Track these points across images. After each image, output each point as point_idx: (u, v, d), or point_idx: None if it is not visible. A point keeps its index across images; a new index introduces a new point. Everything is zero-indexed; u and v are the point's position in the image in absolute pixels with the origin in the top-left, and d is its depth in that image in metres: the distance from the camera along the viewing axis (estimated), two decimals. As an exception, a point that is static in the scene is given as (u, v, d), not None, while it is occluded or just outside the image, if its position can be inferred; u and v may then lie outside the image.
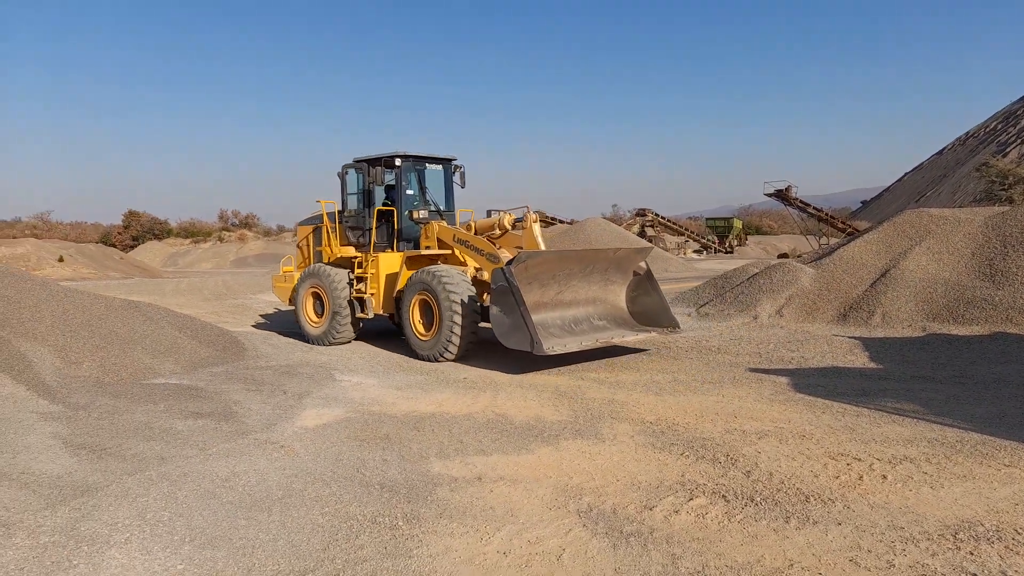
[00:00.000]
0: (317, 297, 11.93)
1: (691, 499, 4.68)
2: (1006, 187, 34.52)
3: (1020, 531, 3.99)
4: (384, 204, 11.78)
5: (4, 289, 8.67)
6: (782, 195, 45.06)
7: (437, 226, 11.26)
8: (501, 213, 11.22)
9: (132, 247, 65.88)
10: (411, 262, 11.24)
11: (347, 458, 5.66)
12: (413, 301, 10.53)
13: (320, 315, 11.86)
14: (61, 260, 36.80)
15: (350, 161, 11.99)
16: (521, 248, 10.42)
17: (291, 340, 12.13)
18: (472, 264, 11.17)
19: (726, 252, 56.73)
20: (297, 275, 12.52)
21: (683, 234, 60.21)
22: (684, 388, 8.06)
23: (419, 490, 4.96)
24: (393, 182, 11.72)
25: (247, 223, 77.39)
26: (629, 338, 10.13)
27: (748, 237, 67.57)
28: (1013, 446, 5.47)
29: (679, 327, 10.54)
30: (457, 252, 11.17)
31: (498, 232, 11.07)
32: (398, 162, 11.42)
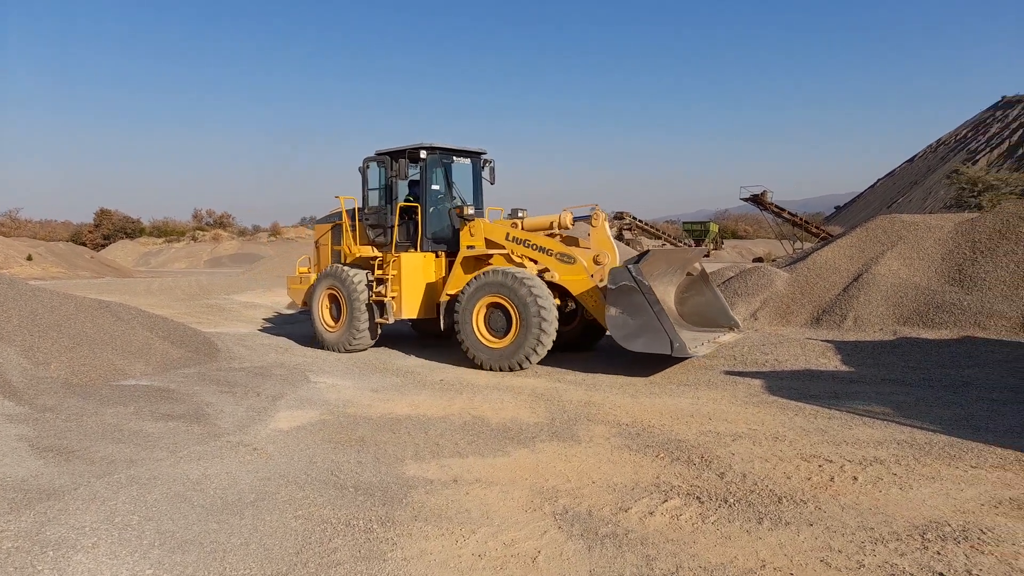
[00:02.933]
0: (335, 300, 11.25)
1: (666, 500, 4.71)
2: (976, 194, 35.27)
3: (985, 531, 4.06)
4: (407, 200, 11.02)
5: (-31, 288, 8.47)
6: (758, 200, 45.59)
7: (483, 223, 10.44)
8: (564, 211, 10.36)
9: (103, 246, 64.81)
10: (452, 264, 10.58)
11: (321, 461, 5.61)
12: (479, 306, 9.62)
13: (337, 319, 11.19)
14: (30, 259, 36.06)
15: (371, 154, 11.27)
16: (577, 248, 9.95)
17: (266, 341, 12.00)
18: (529, 265, 10.18)
19: (703, 256, 57.28)
20: (314, 276, 12.01)
21: (660, 237, 60.65)
22: (660, 390, 8.11)
23: (394, 493, 4.93)
24: (417, 177, 10.96)
25: (222, 223, 76.51)
26: (724, 338, 9.90)
27: (724, 241, 68.28)
28: (979, 448, 5.58)
29: (740, 327, 9.91)
30: (511, 252, 10.15)
31: (557, 231, 10.35)
32: (423, 154, 10.65)
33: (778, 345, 10.63)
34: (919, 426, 6.25)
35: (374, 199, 11.30)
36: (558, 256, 9.73)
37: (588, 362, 10.05)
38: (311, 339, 12.36)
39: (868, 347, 10.30)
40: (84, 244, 59.41)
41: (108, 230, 69.10)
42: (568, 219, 10.30)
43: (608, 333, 9.46)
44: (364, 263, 11.24)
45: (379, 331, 11.21)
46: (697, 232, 63.04)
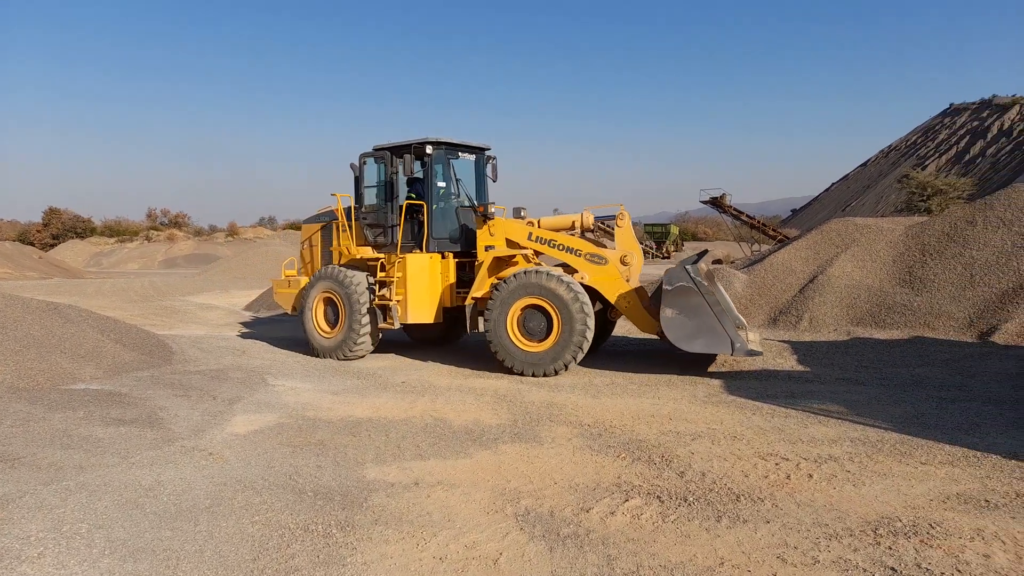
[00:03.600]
0: (331, 304, 10.65)
1: (627, 500, 4.74)
2: (925, 198, 36.38)
3: (934, 525, 4.18)
4: (408, 198, 10.51)
5: (-93, 289, 8.11)
6: (717, 203, 46.33)
7: (504, 223, 10.01)
8: (585, 210, 10.22)
9: (52, 246, 62.75)
10: (462, 265, 10.46)
11: (279, 465, 5.51)
12: (515, 308, 9.23)
13: (334, 324, 10.58)
14: (-26, 259, 34.73)
15: (368, 150, 10.75)
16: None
17: (223, 344, 11.75)
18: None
19: (663, 257, 57.92)
20: (304, 279, 11.42)
21: None
22: (621, 391, 8.17)
23: (354, 496, 4.87)
24: (419, 174, 10.51)
25: (177, 222, 74.77)
26: (752, 335, 9.71)
27: (684, 243, 69.22)
28: (929, 445, 5.74)
29: (747, 326, 9.80)
30: (532, 252, 9.89)
31: (578, 232, 10.18)
32: (429, 150, 10.13)
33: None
34: (872, 424, 6.40)
35: (371, 197, 10.78)
36: (588, 257, 9.52)
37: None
38: (276, 341, 12.18)
39: (823, 347, 10.53)
40: (32, 244, 57.44)
41: (57, 229, 66.93)
42: (590, 219, 10.14)
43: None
44: (361, 265, 10.70)
45: (379, 336, 10.72)
46: (658, 234, 63.78)
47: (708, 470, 5.31)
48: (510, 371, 9.27)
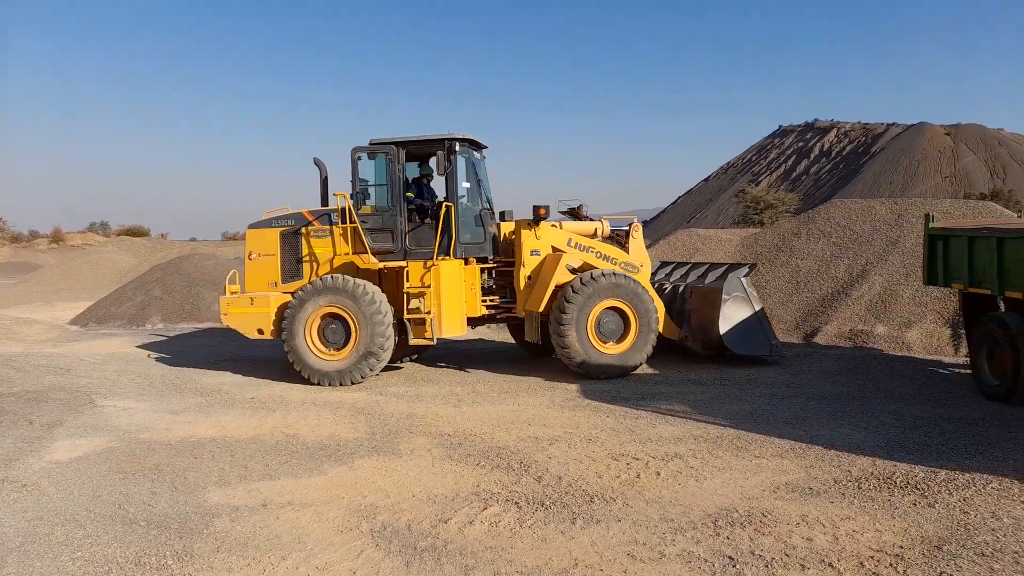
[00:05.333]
0: (334, 321, 9.22)
1: (485, 508, 4.73)
2: (758, 211, 39.63)
3: (766, 514, 4.51)
4: (407, 199, 9.72)
5: None
6: (574, 213, 47.95)
7: (549, 227, 9.72)
8: (602, 219, 10.40)
9: None
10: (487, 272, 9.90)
11: (107, 493, 5.01)
12: (596, 310, 9.14)
13: (339, 344, 9.19)
14: None
15: (363, 144, 9.57)
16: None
17: (43, 362, 10.56)
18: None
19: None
20: (276, 295, 9.64)
21: None
22: (482, 399, 8.19)
23: (194, 523, 4.52)
24: (419, 172, 9.92)
25: (-10, 226, 66.70)
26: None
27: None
28: (762, 439, 6.21)
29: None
30: (573, 258, 9.67)
31: (599, 239, 10.20)
32: (458, 146, 9.38)
33: (592, 351, 11.18)
34: (712, 422, 6.84)
35: (380, 198, 9.69)
36: (623, 265, 9.75)
37: (412, 374, 9.93)
38: (108, 359, 11.10)
39: (672, 350, 11.15)
40: None
41: None
42: (607, 228, 10.39)
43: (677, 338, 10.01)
44: (355, 274, 9.43)
45: (413, 356, 10.12)
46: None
47: (564, 473, 5.43)
48: (586, 376, 9.11)
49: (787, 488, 4.99)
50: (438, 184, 10.08)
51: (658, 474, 5.36)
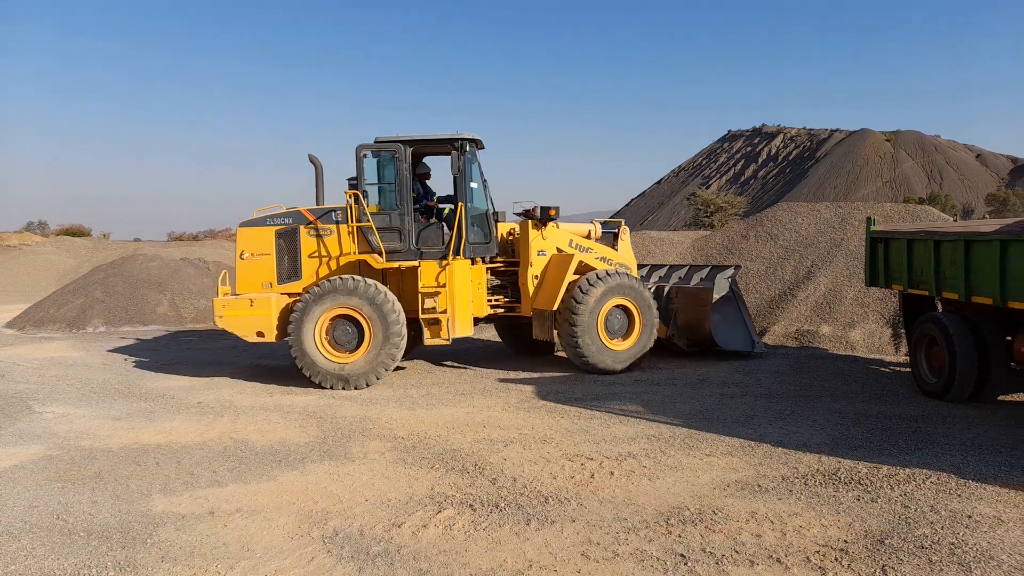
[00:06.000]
0: (345, 322, 9.02)
1: (439, 512, 4.70)
2: (709, 214, 40.46)
3: (717, 511, 4.59)
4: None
5: None
6: (529, 215, 48.21)
7: (555, 228, 10.01)
8: (594, 222, 10.86)
9: None
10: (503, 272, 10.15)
11: (45, 504, 4.81)
12: (604, 309, 9.44)
13: (349, 347, 8.99)
14: None
15: (369, 142, 9.40)
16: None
17: (-23, 367, 10.10)
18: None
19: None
20: (276, 297, 9.30)
21: None
22: (437, 401, 8.14)
23: (137, 533, 4.37)
24: (416, 172, 9.85)
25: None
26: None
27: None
28: (712, 438, 6.32)
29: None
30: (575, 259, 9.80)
31: (593, 240, 10.54)
32: (468, 146, 9.48)
33: (547, 352, 11.23)
34: (665, 421, 6.93)
35: (387, 198, 9.51)
36: (618, 265, 10.15)
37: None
38: (46, 363, 10.67)
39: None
40: None
41: None
42: (599, 230, 10.74)
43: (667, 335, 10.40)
44: (357, 273, 9.36)
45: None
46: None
47: (519, 475, 5.43)
48: (593, 371, 9.42)
49: (737, 486, 5.08)
50: (431, 183, 10.32)
51: (612, 474, 5.40)
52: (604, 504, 4.79)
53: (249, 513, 4.71)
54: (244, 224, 9.66)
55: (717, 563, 3.87)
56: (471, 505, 4.81)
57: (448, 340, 9.35)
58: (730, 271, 10.63)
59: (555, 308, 9.52)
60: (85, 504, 4.84)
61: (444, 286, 9.37)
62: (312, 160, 9.88)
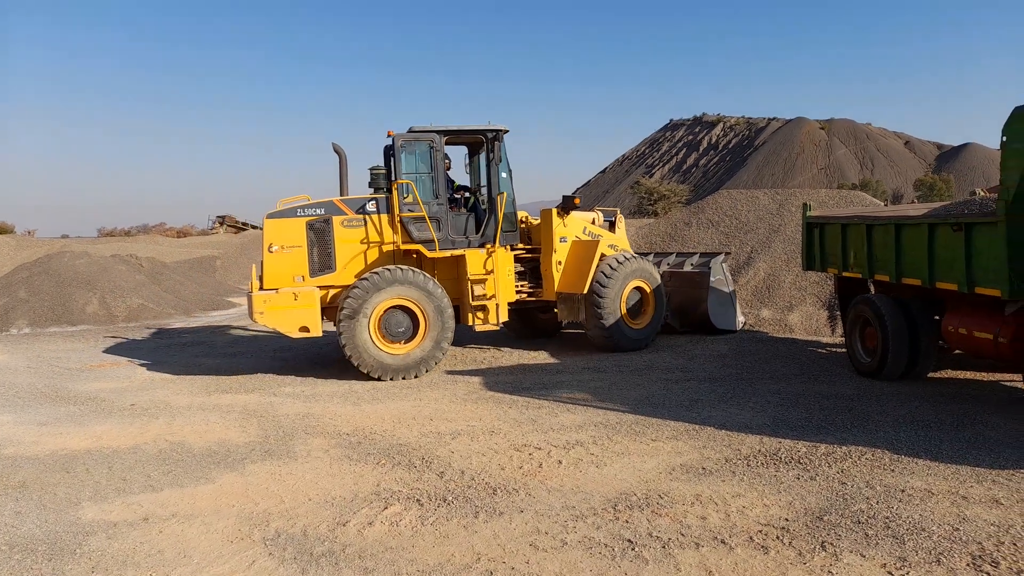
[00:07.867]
0: (400, 313, 8.99)
1: (386, 508, 4.62)
2: (652, 202, 41.12)
3: (663, 496, 4.64)
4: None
5: None
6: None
7: (575, 216, 10.44)
8: (595, 209, 11.26)
9: None
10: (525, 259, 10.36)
11: (-38, 518, 4.53)
12: (626, 290, 9.98)
13: (408, 338, 9.00)
14: None
15: (405, 132, 9.42)
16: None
17: None
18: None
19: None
20: (315, 290, 9.08)
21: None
22: (383, 395, 8.02)
23: (65, 543, 4.15)
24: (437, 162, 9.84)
25: None
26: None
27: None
28: (658, 423, 6.39)
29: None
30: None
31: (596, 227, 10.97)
32: (500, 136, 9.78)
33: (496, 342, 11.20)
34: (611, 408, 6.98)
35: (424, 188, 9.51)
36: (622, 251, 10.53)
37: (308, 371, 9.58)
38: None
39: (570, 339, 11.33)
40: None
41: None
42: (602, 217, 11.15)
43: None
44: (391, 263, 9.34)
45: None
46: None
47: (467, 467, 5.38)
48: (617, 350, 9.93)
49: (682, 469, 5.15)
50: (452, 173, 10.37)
51: (560, 463, 5.40)
52: (552, 493, 4.78)
53: (186, 518, 4.54)
54: (272, 216, 9.29)
55: (664, 547, 3.90)
56: (418, 500, 4.74)
57: (498, 325, 9.76)
58: (722, 257, 11.36)
59: (584, 291, 9.83)
60: (8, 515, 4.58)
61: (491, 272, 9.69)
62: (336, 149, 9.80)
